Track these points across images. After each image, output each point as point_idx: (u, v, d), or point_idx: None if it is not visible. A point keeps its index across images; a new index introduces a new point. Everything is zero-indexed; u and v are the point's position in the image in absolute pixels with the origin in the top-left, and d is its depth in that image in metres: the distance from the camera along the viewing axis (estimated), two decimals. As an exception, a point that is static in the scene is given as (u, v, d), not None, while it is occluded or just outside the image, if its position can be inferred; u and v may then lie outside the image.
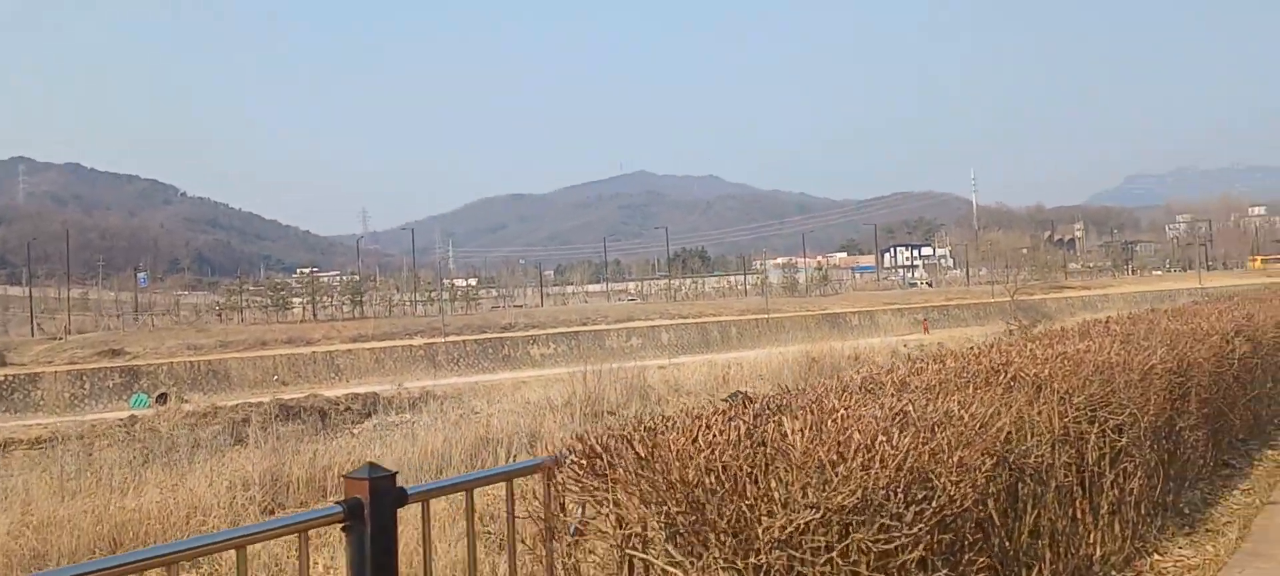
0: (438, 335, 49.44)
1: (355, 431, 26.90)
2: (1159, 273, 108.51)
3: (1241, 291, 18.44)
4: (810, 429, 3.15)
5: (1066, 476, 4.35)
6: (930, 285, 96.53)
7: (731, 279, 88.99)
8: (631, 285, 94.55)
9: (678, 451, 2.97)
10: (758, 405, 3.82)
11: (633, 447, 3.08)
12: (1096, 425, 4.66)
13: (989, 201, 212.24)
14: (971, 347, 6.14)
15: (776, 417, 3.40)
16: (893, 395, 4.05)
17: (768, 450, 3.03)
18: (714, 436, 3.08)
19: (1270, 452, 7.84)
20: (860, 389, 4.31)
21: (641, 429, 3.31)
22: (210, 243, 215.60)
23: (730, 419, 3.39)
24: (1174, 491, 5.76)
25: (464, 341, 48.51)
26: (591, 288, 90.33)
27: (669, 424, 3.40)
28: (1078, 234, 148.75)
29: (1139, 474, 4.97)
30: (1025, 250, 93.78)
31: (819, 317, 63.13)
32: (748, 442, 3.06)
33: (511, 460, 12.99)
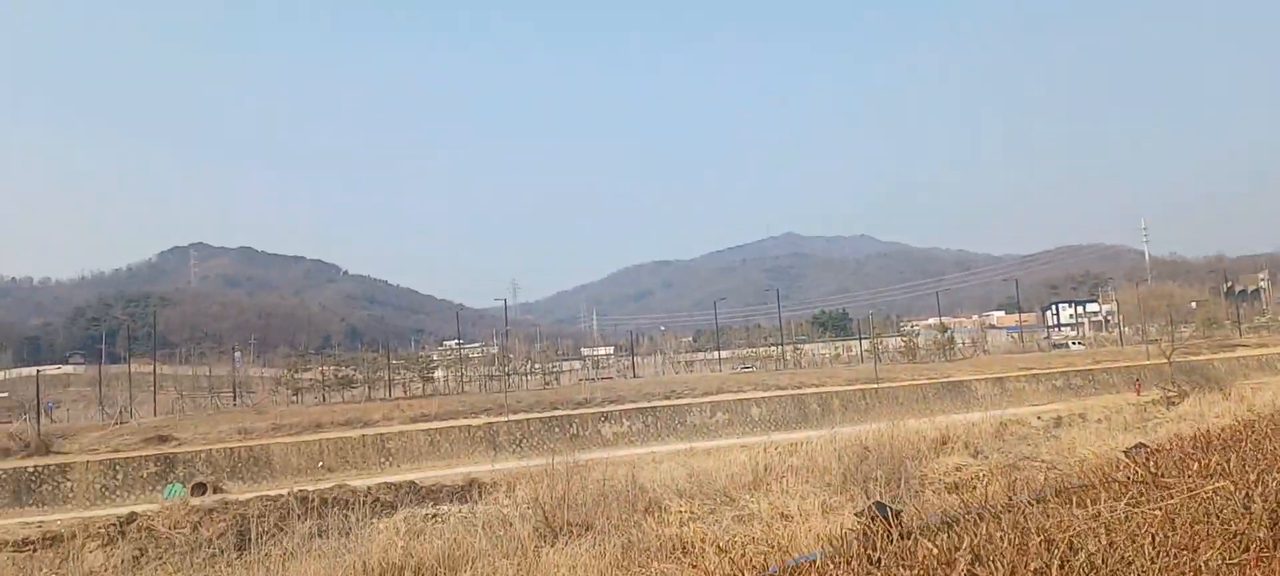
0: (506, 413, 46.58)
1: (375, 527, 23.99)
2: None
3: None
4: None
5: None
6: (1081, 345, 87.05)
7: (844, 344, 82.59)
8: (746, 352, 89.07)
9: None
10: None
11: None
12: None
13: (1162, 252, 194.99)
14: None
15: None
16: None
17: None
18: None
19: None
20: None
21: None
22: (366, 318, 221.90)
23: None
24: None
25: (529, 420, 45.29)
26: (723, 354, 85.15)
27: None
28: (1262, 284, 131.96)
29: None
30: (1193, 304, 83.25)
31: (938, 386, 56.58)
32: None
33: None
